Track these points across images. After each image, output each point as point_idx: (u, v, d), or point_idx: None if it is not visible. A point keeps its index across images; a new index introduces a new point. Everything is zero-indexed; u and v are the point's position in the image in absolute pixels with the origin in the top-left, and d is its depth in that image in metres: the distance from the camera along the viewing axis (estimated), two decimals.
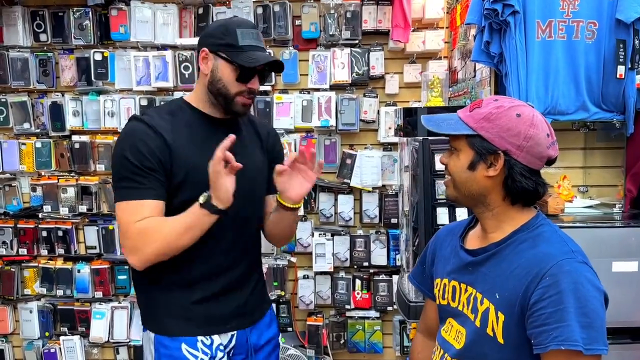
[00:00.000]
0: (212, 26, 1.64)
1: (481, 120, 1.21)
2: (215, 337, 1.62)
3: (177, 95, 3.25)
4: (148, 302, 1.67)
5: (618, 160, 2.44)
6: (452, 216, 2.14)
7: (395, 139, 3.09)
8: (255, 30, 1.61)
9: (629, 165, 2.34)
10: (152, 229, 1.48)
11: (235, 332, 1.66)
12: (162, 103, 3.25)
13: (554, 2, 2.20)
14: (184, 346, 1.58)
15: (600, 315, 1.11)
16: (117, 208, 1.52)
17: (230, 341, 1.66)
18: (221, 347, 1.63)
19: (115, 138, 3.24)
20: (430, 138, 2.14)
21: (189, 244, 1.51)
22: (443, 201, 2.16)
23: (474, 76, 2.64)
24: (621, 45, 2.14)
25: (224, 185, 1.43)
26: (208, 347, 1.60)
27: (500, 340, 1.19)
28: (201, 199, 1.47)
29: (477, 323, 1.23)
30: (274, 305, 3.18)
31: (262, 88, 3.22)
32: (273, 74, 3.20)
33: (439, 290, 1.38)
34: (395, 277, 3.20)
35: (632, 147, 2.34)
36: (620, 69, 2.13)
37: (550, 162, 1.24)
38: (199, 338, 1.60)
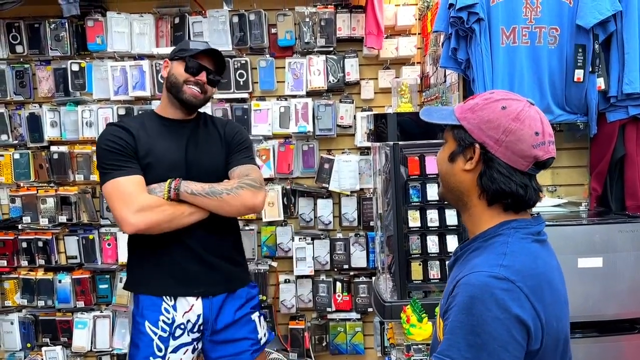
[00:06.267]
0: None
1: (467, 110, 1.13)
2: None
3: (155, 104, 3.28)
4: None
5: (583, 160, 2.53)
6: (423, 219, 2.19)
7: None
8: (207, 42, 2.01)
9: (593, 164, 2.42)
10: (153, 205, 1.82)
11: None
12: (140, 112, 3.28)
13: (517, 9, 2.28)
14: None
15: (498, 339, 0.97)
16: (108, 186, 1.83)
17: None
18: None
19: (94, 148, 3.28)
20: (400, 143, 2.19)
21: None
22: (415, 203, 2.21)
23: (445, 81, 2.71)
24: (580, 50, 2.22)
25: None
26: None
27: None
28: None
29: (436, 327, 1.24)
30: None
31: (239, 95, 3.27)
32: (250, 81, 3.26)
33: None
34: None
35: (595, 147, 2.42)
36: (578, 73, 2.21)
37: (540, 165, 1.10)
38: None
